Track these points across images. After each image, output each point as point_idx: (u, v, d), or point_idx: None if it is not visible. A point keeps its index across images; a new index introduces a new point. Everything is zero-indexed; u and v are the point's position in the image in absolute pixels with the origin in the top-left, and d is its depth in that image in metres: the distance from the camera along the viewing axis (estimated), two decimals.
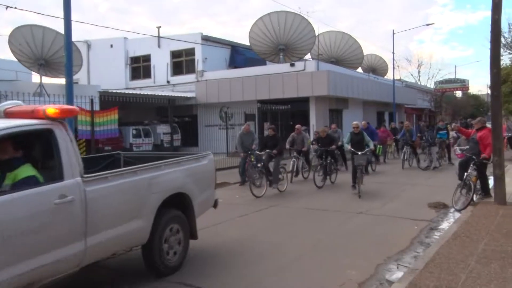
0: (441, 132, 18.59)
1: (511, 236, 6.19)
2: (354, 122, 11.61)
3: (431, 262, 5.17)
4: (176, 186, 5.42)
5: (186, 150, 22.12)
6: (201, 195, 5.92)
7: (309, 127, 22.31)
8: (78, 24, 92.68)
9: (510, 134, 19.53)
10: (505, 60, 31.73)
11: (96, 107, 16.11)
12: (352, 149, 11.05)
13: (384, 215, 8.50)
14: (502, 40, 32.52)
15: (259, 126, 20.99)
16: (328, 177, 12.40)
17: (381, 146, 18.96)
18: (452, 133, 20.72)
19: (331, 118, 25.11)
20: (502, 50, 32.29)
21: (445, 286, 4.43)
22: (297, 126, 14.26)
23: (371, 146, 11.18)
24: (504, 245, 5.75)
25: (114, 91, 21.99)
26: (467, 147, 12.31)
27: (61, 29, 10.27)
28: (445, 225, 7.64)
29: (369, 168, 14.79)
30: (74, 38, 10.62)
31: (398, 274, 5.11)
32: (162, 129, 24.47)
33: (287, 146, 13.91)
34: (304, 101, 23.94)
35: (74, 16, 10.25)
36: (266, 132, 19.38)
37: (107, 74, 28.80)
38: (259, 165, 11.23)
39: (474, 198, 8.93)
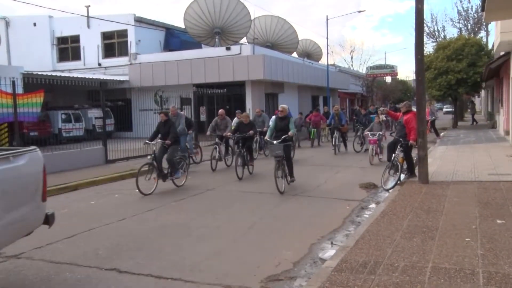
0: (372, 115, 19.45)
1: (432, 212, 6.66)
2: (281, 106, 10.33)
3: (361, 239, 5.43)
4: None
5: (120, 135, 21.38)
6: (9, 214, 4.01)
7: (245, 111, 22.39)
8: None
9: (433, 118, 20.85)
10: (428, 48, 33.77)
11: (19, 89, 15.08)
12: (268, 139, 9.74)
13: (318, 196, 8.78)
14: (426, 28, 34.57)
15: (196, 110, 20.76)
16: (246, 167, 11.43)
17: (315, 129, 19.48)
18: (382, 117, 21.81)
19: (267, 102, 25.39)
20: (426, 38, 34.41)
21: (373, 260, 4.68)
22: (220, 111, 13.51)
23: (290, 133, 9.54)
24: (426, 221, 6.17)
25: (39, 73, 20.65)
26: (379, 132, 13.00)
27: None
28: (374, 204, 8.04)
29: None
30: None
31: (331, 252, 5.32)
32: (94, 113, 23.45)
33: (208, 132, 13.24)
34: (240, 85, 23.98)
35: None
36: (202, 117, 18.97)
37: (31, 55, 27.01)
38: (149, 157, 9.80)
39: (401, 178, 9.46)
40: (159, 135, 10.15)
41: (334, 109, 17.75)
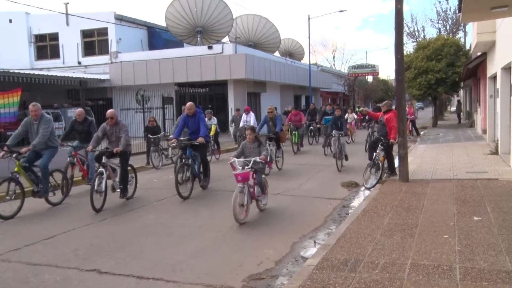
0: (327, 117, 16.80)
1: (412, 210, 6.76)
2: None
3: (342, 238, 5.48)
4: None
5: None
6: None
7: (227, 110, 22.36)
8: None
9: (414, 117, 21.22)
10: (409, 48, 34.30)
11: None
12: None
13: (300, 195, 8.82)
14: (406, 28, 35.07)
15: (177, 110, 20.67)
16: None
17: (296, 132, 16.36)
18: (352, 115, 21.49)
19: (249, 101, 25.40)
20: (406, 38, 34.90)
21: (353, 258, 4.73)
22: (110, 112, 8.42)
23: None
24: (406, 218, 6.26)
25: (16, 71, 20.25)
26: (256, 158, 6.90)
27: None
28: (356, 202, 8.12)
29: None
30: None
31: (312, 251, 5.35)
32: (74, 112, 23.10)
33: (90, 147, 8.36)
34: (223, 84, 23.96)
35: None
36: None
37: (7, 53, 26.51)
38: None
39: (383, 177, 9.58)
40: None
41: (267, 110, 12.55)
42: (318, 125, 18.07)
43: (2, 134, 16.96)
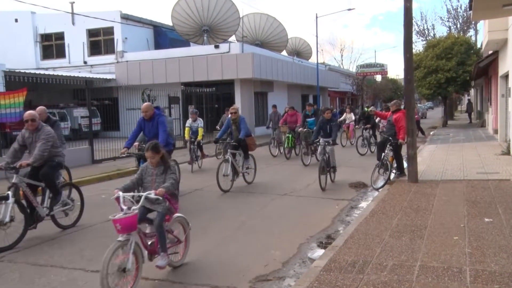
0: (309, 119, 14.36)
1: (421, 211, 6.65)
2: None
3: (350, 239, 5.40)
4: None
5: (107, 135, 21.19)
6: None
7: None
8: None
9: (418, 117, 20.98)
10: (418, 46, 34.08)
11: (1, 88, 14.85)
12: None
13: (307, 196, 8.73)
14: (416, 27, 34.81)
15: (184, 109, 20.65)
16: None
17: (290, 134, 14.59)
18: (350, 116, 20.55)
19: (256, 101, 25.33)
20: (415, 36, 34.66)
21: (361, 260, 4.64)
22: (27, 113, 6.22)
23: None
24: (414, 219, 6.16)
25: (22, 71, 20.34)
26: (140, 194, 4.43)
27: None
28: (364, 203, 8.02)
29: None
30: None
31: (320, 252, 5.28)
32: (80, 112, 23.07)
33: (2, 163, 6.16)
34: (229, 83, 23.89)
35: None
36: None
37: (12, 52, 26.61)
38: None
39: (391, 177, 9.46)
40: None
41: (230, 111, 10.05)
42: (300, 129, 14.45)
43: (8, 134, 17.02)
